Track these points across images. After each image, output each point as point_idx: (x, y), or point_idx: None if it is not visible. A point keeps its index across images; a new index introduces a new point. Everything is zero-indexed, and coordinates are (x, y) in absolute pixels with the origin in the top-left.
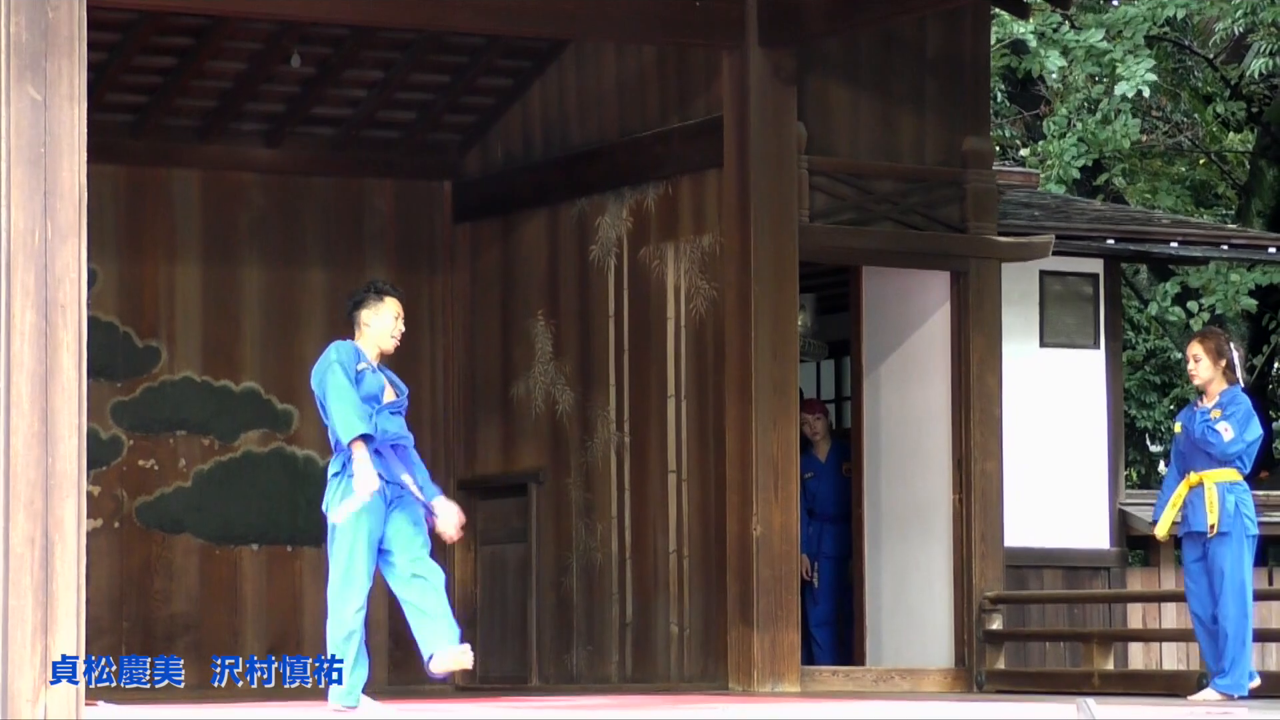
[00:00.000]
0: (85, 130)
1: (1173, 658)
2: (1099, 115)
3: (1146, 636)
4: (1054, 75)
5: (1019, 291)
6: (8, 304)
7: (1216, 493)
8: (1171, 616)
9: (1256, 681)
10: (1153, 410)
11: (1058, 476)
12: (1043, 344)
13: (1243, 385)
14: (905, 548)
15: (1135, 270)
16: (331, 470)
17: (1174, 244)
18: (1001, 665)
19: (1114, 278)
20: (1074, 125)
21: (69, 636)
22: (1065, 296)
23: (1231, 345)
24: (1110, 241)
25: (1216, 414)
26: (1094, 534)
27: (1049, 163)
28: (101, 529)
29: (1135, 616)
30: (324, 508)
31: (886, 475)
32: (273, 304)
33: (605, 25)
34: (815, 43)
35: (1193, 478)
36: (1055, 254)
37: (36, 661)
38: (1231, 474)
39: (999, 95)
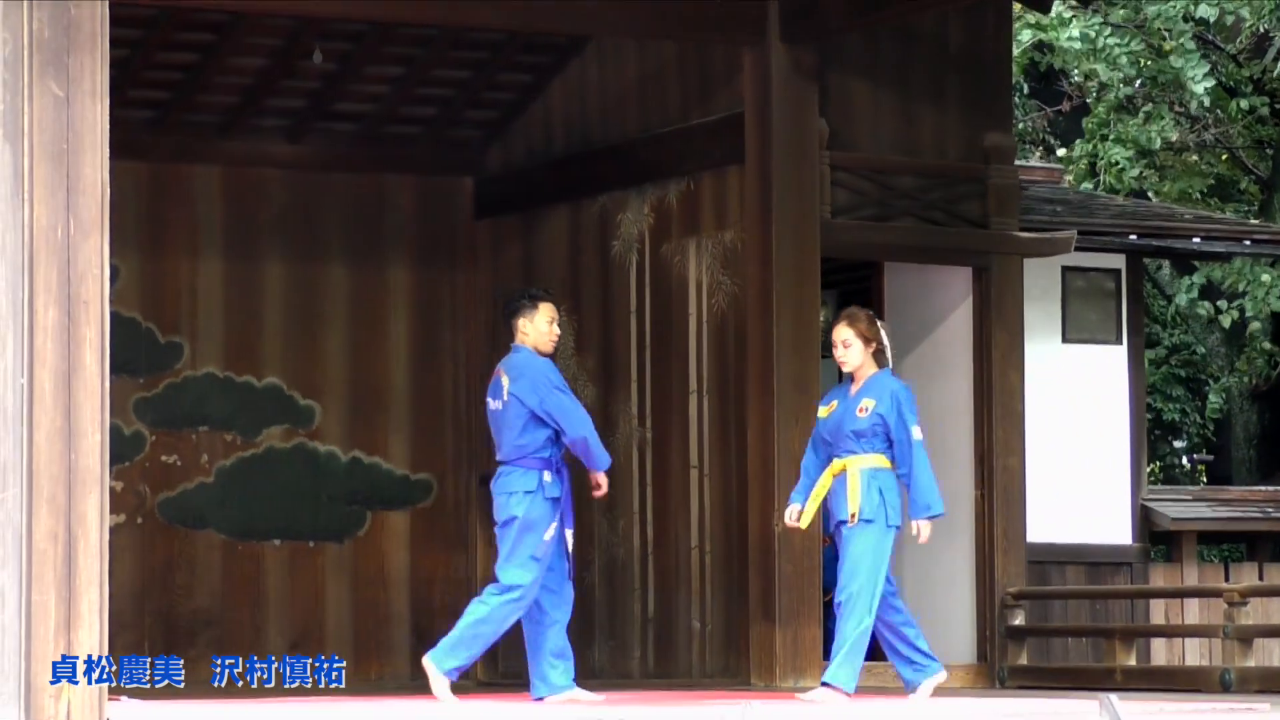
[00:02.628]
0: (107, 126)
1: (1195, 653)
2: (1140, 117)
3: (1169, 632)
4: (1092, 83)
5: (1041, 287)
6: (31, 300)
7: (861, 480)
8: (1194, 612)
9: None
10: (1177, 405)
11: (1080, 472)
12: (1065, 339)
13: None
14: (927, 543)
15: (1158, 266)
16: (547, 492)
17: (1196, 239)
18: (1024, 661)
19: (1136, 273)
20: (1114, 126)
21: (91, 632)
22: (1087, 292)
23: (880, 326)
24: (1133, 237)
25: (869, 403)
26: (1116, 529)
27: (1098, 164)
28: (124, 525)
29: (1158, 612)
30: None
31: None
32: (294, 300)
33: (626, 21)
34: (836, 38)
35: (836, 464)
36: (1077, 249)
37: (60, 656)
38: (879, 460)
39: (1024, 89)
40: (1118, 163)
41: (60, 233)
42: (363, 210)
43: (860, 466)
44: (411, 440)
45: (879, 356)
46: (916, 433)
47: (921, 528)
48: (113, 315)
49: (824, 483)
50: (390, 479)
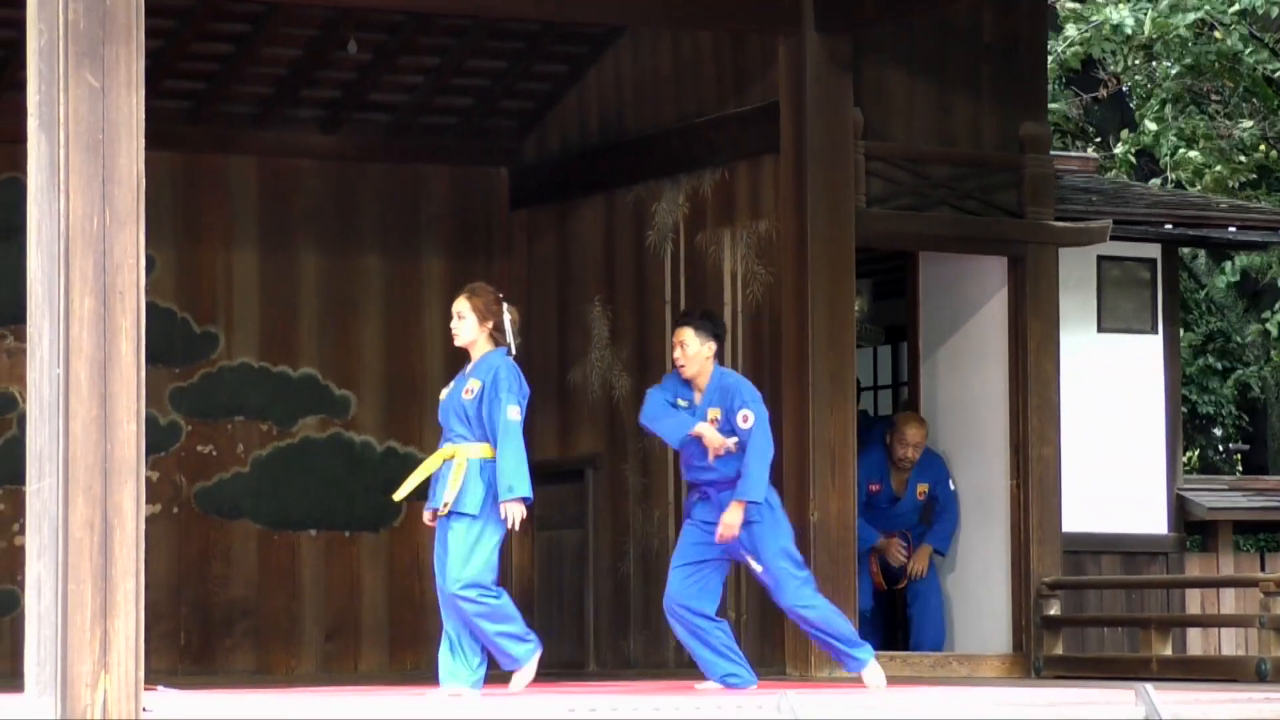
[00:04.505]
0: (143, 117)
1: (1231, 643)
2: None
3: (1205, 622)
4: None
5: (1076, 277)
6: (67, 290)
7: (465, 470)
8: (1230, 602)
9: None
10: (1213, 397)
11: (1116, 461)
12: (1100, 329)
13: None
14: (963, 533)
15: (1193, 255)
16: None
17: (1232, 229)
18: (1059, 651)
19: (1172, 263)
20: (1166, 124)
21: (128, 622)
22: (1123, 281)
23: (505, 306)
24: (1168, 226)
25: (475, 384)
26: (1152, 519)
27: (1159, 156)
28: (160, 514)
29: (1194, 602)
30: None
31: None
32: (330, 290)
33: (662, 11)
34: (871, 28)
35: (448, 449)
36: (1113, 239)
37: (96, 646)
38: (489, 450)
39: (1060, 78)
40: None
41: (96, 223)
42: (398, 201)
43: (468, 455)
44: None
45: (496, 335)
46: (512, 414)
47: (509, 510)
48: (148, 305)
49: (431, 464)
50: None
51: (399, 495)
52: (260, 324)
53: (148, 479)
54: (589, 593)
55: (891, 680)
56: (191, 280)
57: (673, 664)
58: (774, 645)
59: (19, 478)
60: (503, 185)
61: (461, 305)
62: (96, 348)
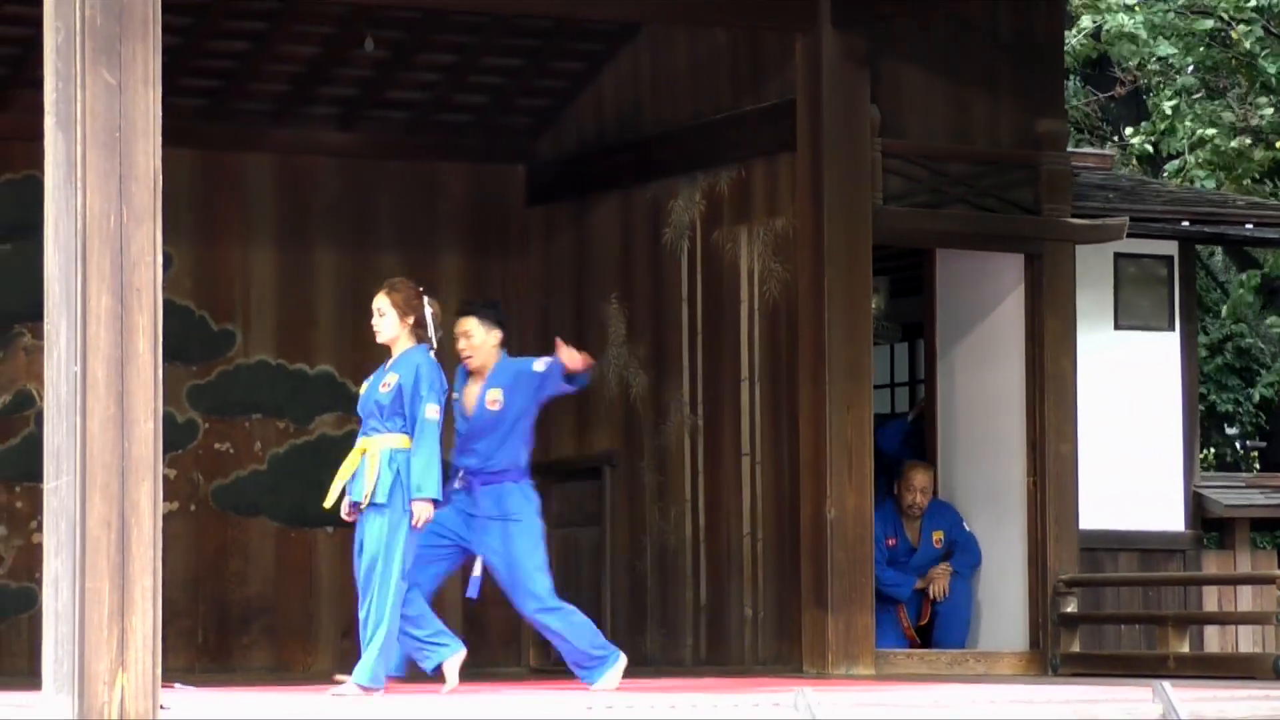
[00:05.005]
0: (160, 114)
1: (1249, 640)
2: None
3: (1222, 619)
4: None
5: (1093, 274)
6: (83, 288)
7: (379, 461)
8: (1247, 599)
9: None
10: (1230, 395)
11: (1133, 459)
12: (1117, 326)
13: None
14: (979, 531)
15: (1210, 252)
16: None
17: (1249, 226)
18: (1076, 648)
19: (1189, 260)
20: (1182, 110)
21: (145, 619)
22: (1140, 279)
23: (425, 300)
24: (1185, 224)
25: (393, 379)
26: (1169, 516)
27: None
28: (177, 512)
29: (1210, 599)
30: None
31: (961, 459)
32: (346, 287)
33: (678, 8)
34: (888, 25)
35: (363, 443)
36: (1130, 236)
37: (113, 644)
38: (403, 440)
39: (1076, 75)
40: (1200, 134)
41: (113, 220)
42: (415, 198)
43: (381, 447)
44: None
45: (418, 330)
46: (431, 412)
47: (416, 509)
48: (165, 303)
49: (350, 463)
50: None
51: (329, 503)
52: (277, 321)
53: (165, 477)
54: (606, 591)
55: (908, 678)
56: (209, 278)
57: (689, 662)
58: (791, 642)
59: (36, 475)
60: (519, 182)
61: (381, 302)
62: (114, 345)
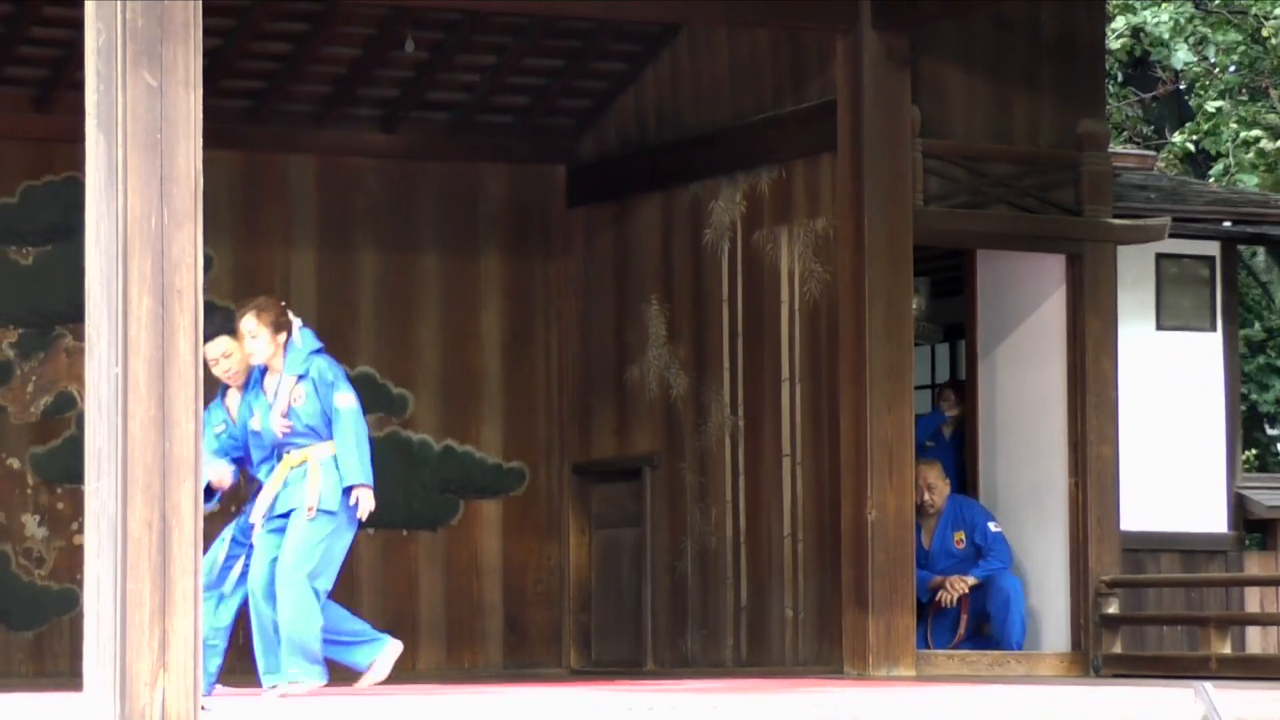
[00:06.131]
0: (201, 116)
1: None
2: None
3: (1264, 620)
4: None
5: (1135, 274)
6: (125, 289)
7: (322, 470)
8: None
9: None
10: (1273, 395)
11: (1174, 460)
12: (1159, 327)
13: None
14: (1021, 532)
15: (1252, 253)
16: None
17: None
18: (1118, 649)
19: (1230, 260)
20: (1225, 112)
21: (186, 620)
22: (1181, 279)
23: (290, 313)
24: (1227, 224)
25: (301, 388)
26: (1211, 517)
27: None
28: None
29: (1253, 600)
30: None
31: (1002, 459)
32: (387, 289)
33: (719, 9)
34: (929, 25)
35: (296, 456)
36: (1171, 236)
37: (154, 645)
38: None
39: (1117, 76)
40: (1245, 135)
41: (154, 222)
42: (456, 199)
43: (320, 457)
44: (504, 429)
45: (286, 341)
46: (346, 400)
47: (358, 495)
48: (206, 304)
49: (279, 475)
50: (483, 467)
51: (255, 517)
52: (318, 323)
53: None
54: (646, 591)
55: (950, 679)
56: (249, 280)
57: (730, 663)
58: (832, 643)
59: (78, 477)
60: (560, 183)
61: (250, 324)
62: (155, 347)
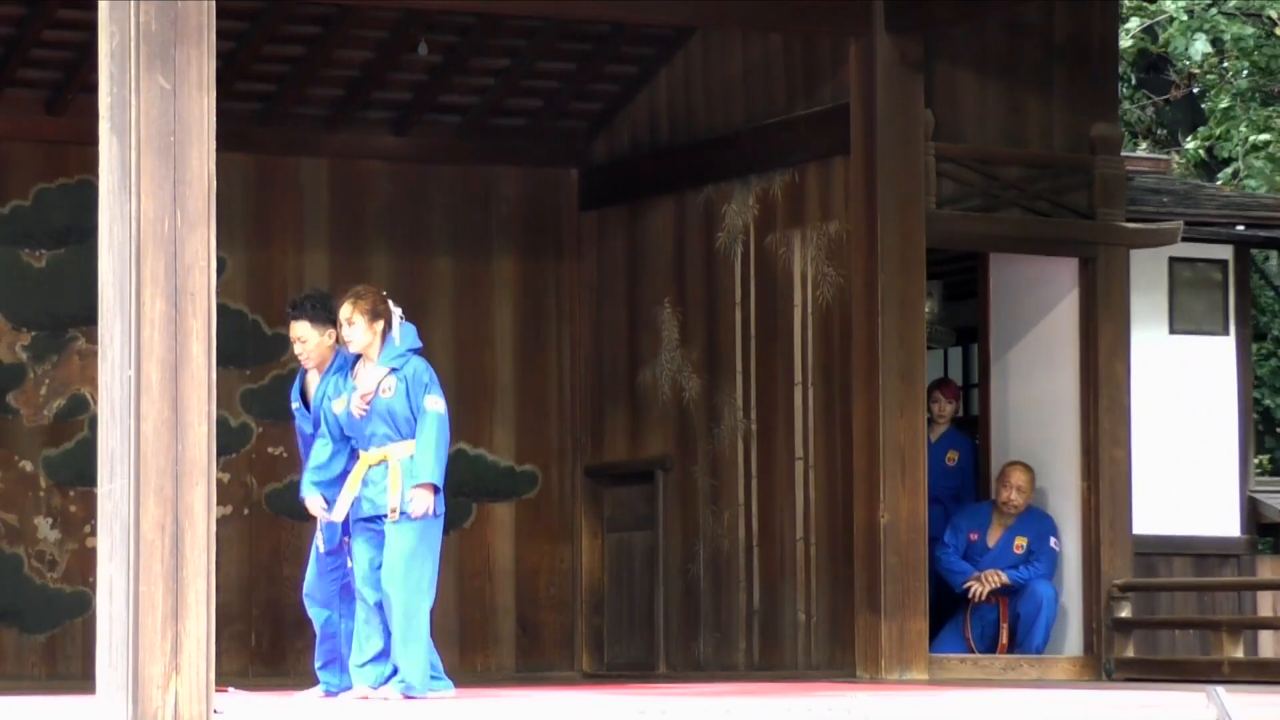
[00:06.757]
0: (214, 119)
1: None
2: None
3: (1277, 624)
4: (1195, 61)
5: (1148, 278)
6: (138, 292)
7: (401, 470)
8: None
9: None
10: None
11: (1187, 464)
12: (1172, 331)
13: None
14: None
15: (1265, 257)
16: None
17: None
18: (1130, 653)
19: (1244, 264)
20: (1236, 114)
21: (199, 623)
22: (1194, 283)
23: (390, 303)
24: (1240, 228)
25: (392, 381)
26: (1224, 521)
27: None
28: (231, 516)
29: (1265, 604)
30: None
31: None
32: (400, 292)
33: (732, 12)
34: (942, 29)
35: (375, 454)
36: (1184, 240)
37: (167, 647)
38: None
39: (1131, 79)
40: (1255, 140)
41: (167, 225)
42: (468, 202)
43: (400, 456)
44: (517, 432)
45: (391, 331)
46: (434, 403)
47: (416, 495)
48: (219, 307)
49: (358, 473)
50: (495, 470)
51: (339, 515)
52: None
53: (218, 481)
54: (659, 594)
55: (962, 683)
56: (262, 282)
57: (742, 666)
58: (844, 647)
59: (90, 479)
60: (573, 186)
61: (347, 312)
62: (168, 350)
